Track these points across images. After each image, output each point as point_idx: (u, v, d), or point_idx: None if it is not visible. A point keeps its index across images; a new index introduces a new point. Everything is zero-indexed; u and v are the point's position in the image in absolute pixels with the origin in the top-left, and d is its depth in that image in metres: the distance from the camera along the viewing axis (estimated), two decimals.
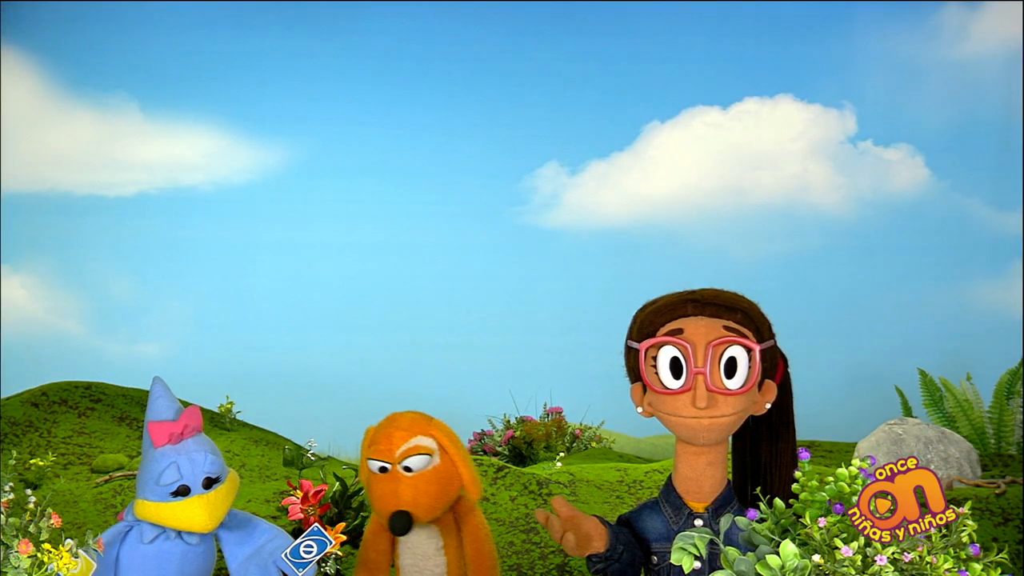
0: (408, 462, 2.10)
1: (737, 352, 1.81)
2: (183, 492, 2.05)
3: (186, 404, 2.17)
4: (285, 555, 2.04)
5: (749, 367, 1.81)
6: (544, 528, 1.81)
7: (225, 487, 2.10)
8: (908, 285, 6.28)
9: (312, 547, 2.04)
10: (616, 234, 6.52)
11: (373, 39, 6.48)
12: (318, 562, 2.10)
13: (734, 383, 1.81)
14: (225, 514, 2.11)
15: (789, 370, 1.97)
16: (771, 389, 1.89)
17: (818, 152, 6.40)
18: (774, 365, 1.90)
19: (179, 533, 2.12)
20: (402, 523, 2.08)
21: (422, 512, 2.11)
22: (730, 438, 1.96)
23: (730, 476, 1.95)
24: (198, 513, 2.05)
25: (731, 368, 1.81)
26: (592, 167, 6.50)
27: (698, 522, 1.86)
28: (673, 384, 1.82)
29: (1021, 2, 6.00)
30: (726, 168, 6.53)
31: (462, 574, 2.21)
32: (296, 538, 2.07)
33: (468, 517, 2.21)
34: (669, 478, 1.93)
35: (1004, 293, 5.96)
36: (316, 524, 2.06)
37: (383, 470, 2.11)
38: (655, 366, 1.84)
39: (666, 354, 1.82)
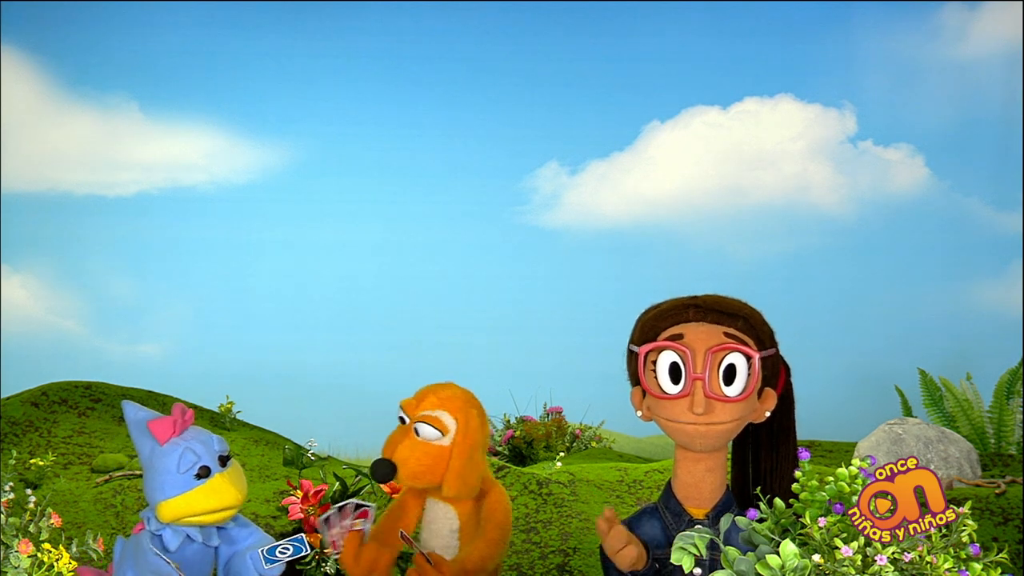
0: (420, 426, 2.14)
1: (736, 359, 1.81)
2: (205, 473, 2.03)
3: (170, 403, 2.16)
4: (262, 552, 2.05)
5: (748, 375, 1.81)
6: (597, 534, 1.80)
7: (236, 463, 2.11)
8: (908, 285, 6.28)
9: (288, 549, 2.05)
10: (616, 234, 6.52)
11: (373, 39, 6.48)
12: (318, 563, 2.10)
13: (732, 390, 1.81)
14: (246, 487, 2.11)
15: (791, 379, 1.97)
16: (771, 397, 1.89)
17: (818, 152, 6.40)
18: (775, 373, 1.90)
19: (200, 535, 2.09)
20: (382, 471, 2.13)
21: (405, 474, 2.14)
22: (730, 445, 1.96)
23: (730, 482, 1.95)
24: (227, 488, 2.05)
25: (730, 375, 1.81)
26: (592, 167, 6.50)
27: None
28: (672, 389, 1.82)
29: (1021, 2, 6.00)
30: (726, 168, 6.53)
31: None
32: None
33: (490, 493, 2.21)
34: (668, 484, 1.93)
35: (1004, 293, 5.96)
36: (301, 534, 2.08)
37: (402, 420, 2.18)
38: (654, 371, 1.84)
39: (665, 359, 1.82)
